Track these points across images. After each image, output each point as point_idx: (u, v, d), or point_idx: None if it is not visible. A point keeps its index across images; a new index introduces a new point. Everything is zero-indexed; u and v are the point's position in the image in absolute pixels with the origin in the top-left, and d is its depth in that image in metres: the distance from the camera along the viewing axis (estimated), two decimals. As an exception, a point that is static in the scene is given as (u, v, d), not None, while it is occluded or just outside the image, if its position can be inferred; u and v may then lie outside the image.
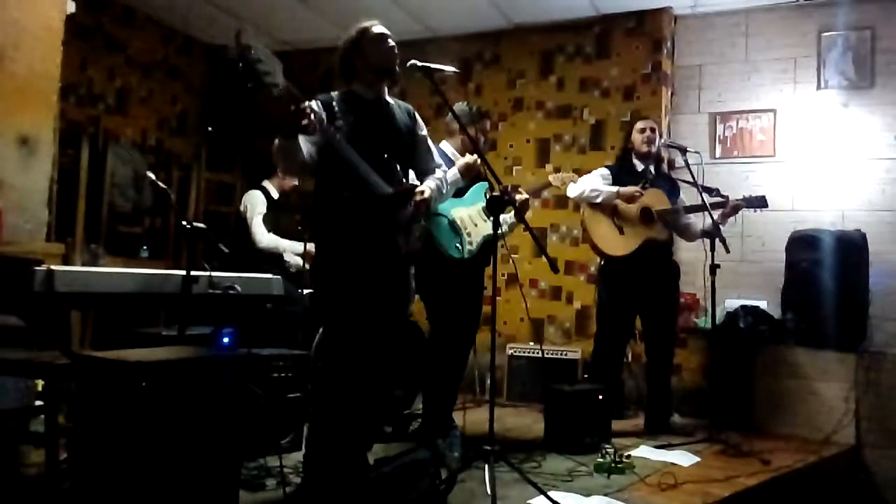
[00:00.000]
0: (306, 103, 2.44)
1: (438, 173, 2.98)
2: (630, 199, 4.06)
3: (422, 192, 2.75)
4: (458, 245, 3.46)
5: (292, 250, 4.62)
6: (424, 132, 3.01)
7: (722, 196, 4.10)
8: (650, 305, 4.17)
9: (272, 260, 4.59)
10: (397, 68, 2.79)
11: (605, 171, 4.24)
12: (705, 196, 3.94)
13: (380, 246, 2.67)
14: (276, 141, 2.55)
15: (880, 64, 4.88)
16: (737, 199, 4.09)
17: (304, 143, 2.59)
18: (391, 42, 2.78)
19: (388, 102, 2.87)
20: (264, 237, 4.62)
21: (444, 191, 3.02)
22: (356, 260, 2.65)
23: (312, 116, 2.44)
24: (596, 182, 4.16)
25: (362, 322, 2.66)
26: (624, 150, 4.33)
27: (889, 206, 4.79)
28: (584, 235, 4.35)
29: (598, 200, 4.11)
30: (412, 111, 2.97)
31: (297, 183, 4.82)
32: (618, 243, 4.10)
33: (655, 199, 4.12)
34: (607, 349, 4.23)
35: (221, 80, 6.36)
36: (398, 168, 2.76)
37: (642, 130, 4.22)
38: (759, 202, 4.08)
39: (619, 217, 4.12)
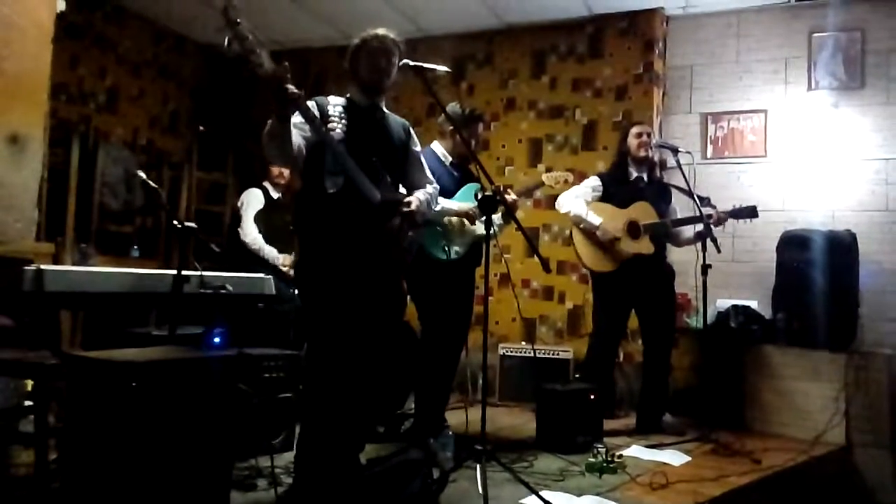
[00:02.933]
0: (292, 88, 2.40)
1: (429, 188, 2.99)
2: (608, 242, 4.01)
3: (408, 204, 2.74)
4: (444, 247, 3.46)
5: (272, 257, 4.62)
6: (418, 148, 3.01)
7: (712, 206, 4.10)
8: (647, 307, 4.17)
9: (264, 258, 4.59)
10: (385, 85, 2.78)
11: (597, 182, 4.23)
12: (696, 202, 3.94)
13: (365, 248, 2.66)
14: (269, 123, 2.49)
15: (870, 65, 4.91)
16: (726, 211, 4.09)
17: (295, 136, 2.56)
18: (384, 61, 2.73)
19: (383, 112, 2.86)
20: (251, 233, 4.61)
21: (433, 206, 3.02)
22: (340, 261, 2.63)
23: (296, 92, 2.40)
24: (585, 196, 4.15)
25: (349, 324, 2.64)
26: (619, 156, 4.29)
27: (879, 206, 4.82)
28: (572, 246, 4.31)
29: (581, 225, 4.10)
30: (408, 126, 2.97)
31: (287, 174, 4.81)
32: (603, 259, 4.08)
33: (643, 213, 4.10)
34: (601, 349, 4.23)
35: (215, 75, 6.34)
36: (387, 175, 2.74)
37: (638, 135, 4.18)
38: (749, 213, 4.08)
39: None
